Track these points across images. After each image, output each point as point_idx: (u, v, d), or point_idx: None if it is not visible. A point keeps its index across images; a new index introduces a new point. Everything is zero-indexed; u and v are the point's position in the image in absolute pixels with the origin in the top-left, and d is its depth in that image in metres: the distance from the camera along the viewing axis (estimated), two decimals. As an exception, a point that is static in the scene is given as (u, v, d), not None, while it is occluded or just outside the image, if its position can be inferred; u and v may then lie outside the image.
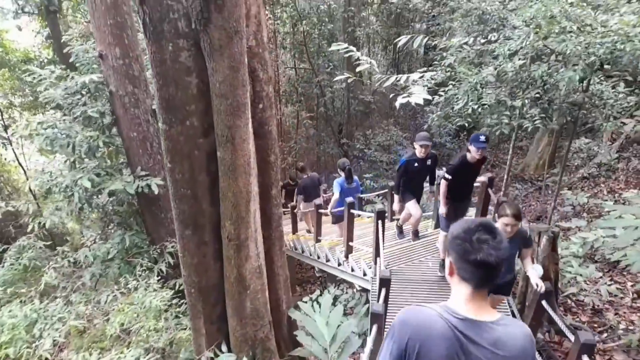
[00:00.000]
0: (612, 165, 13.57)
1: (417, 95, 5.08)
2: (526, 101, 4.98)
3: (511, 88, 5.26)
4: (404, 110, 19.23)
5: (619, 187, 12.59)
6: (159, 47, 3.61)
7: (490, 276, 1.66)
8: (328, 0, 15.15)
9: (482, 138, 5.27)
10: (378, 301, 4.96)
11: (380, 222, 6.48)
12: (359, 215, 8.57)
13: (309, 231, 10.66)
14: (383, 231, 6.55)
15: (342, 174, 8.25)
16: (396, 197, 6.93)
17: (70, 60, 8.31)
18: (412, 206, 6.88)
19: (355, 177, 8.64)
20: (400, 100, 5.21)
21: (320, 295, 8.63)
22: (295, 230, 10.86)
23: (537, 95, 5.00)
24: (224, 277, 4.73)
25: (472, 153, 5.38)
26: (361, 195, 12.34)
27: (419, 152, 6.10)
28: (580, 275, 7.71)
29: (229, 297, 4.72)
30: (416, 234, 7.83)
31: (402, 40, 5.74)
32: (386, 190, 9.95)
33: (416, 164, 6.30)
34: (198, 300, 4.82)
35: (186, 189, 4.29)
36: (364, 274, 7.25)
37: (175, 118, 3.92)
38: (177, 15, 3.61)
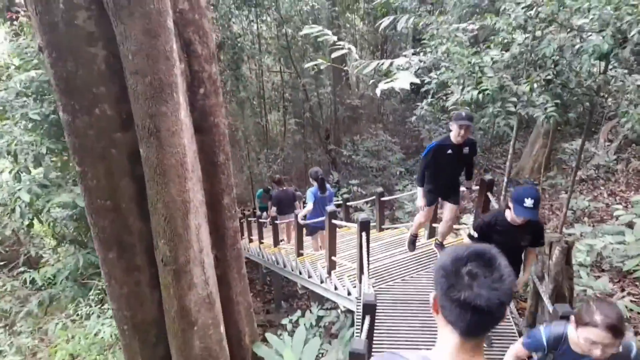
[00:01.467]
0: (611, 167, 12.65)
1: (403, 79, 4.04)
2: (535, 85, 3.95)
3: (515, 70, 4.25)
4: (393, 116, 18.23)
5: (620, 189, 11.70)
6: (46, 5, 2.55)
7: (481, 323, 1.23)
8: (311, 1, 14.18)
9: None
10: (361, 333, 3.88)
11: (364, 233, 5.40)
12: (344, 226, 7.49)
13: (282, 240, 9.91)
14: (368, 243, 5.46)
15: (315, 184, 7.46)
16: (420, 190, 5.30)
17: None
18: (424, 213, 5.59)
19: (328, 186, 7.79)
20: (381, 86, 4.16)
21: (302, 316, 7.54)
22: (276, 242, 9.75)
23: (548, 78, 3.99)
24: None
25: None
26: (350, 203, 11.37)
27: (457, 134, 4.48)
28: (591, 287, 6.70)
29: (172, 335, 3.61)
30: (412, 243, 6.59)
31: (385, 21, 4.70)
32: (374, 197, 8.90)
33: (450, 151, 4.68)
34: (133, 339, 3.70)
35: (104, 199, 3.19)
36: (349, 294, 6.15)
37: (79, 105, 2.84)
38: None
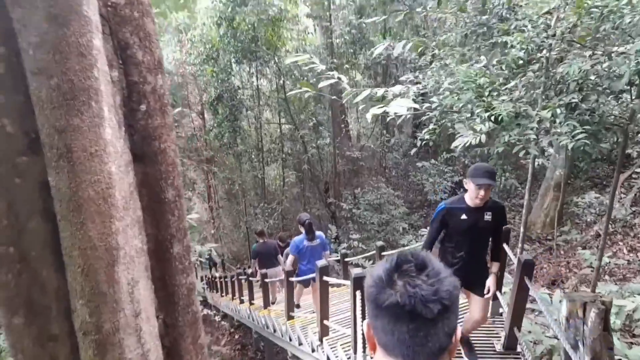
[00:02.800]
0: (628, 221, 11.77)
1: (398, 104, 3.37)
2: (558, 111, 3.24)
3: (531, 95, 3.56)
4: (395, 169, 17.61)
5: (640, 244, 10.79)
6: None
7: (420, 337, 0.94)
8: (310, 55, 14.00)
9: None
10: None
11: (359, 292, 4.50)
12: (338, 284, 6.56)
13: (273, 302, 9.07)
14: (364, 303, 4.55)
15: (302, 231, 6.52)
16: None
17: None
18: None
19: (320, 233, 6.82)
20: (373, 111, 3.48)
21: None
22: (266, 304, 8.73)
23: (573, 101, 3.29)
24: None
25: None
26: (348, 259, 10.39)
27: (474, 195, 3.41)
28: (627, 357, 5.65)
29: None
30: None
31: (379, 48, 4.08)
32: (374, 251, 8.02)
33: (464, 216, 3.55)
34: None
35: (6, 245, 2.39)
36: (343, 366, 5.15)
37: (-33, 119, 2.13)
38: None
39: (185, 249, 3.11)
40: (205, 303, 17.07)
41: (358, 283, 4.49)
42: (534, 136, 3.20)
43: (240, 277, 10.78)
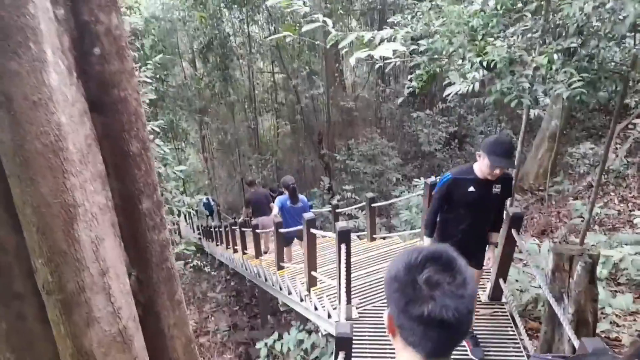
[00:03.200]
0: (622, 172, 11.66)
1: (385, 48, 3.10)
2: (555, 57, 2.98)
3: (527, 39, 3.28)
4: (390, 120, 17.27)
5: (632, 195, 10.74)
6: None
7: (449, 340, 1.01)
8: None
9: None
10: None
11: (344, 245, 4.41)
12: (325, 236, 6.49)
13: (265, 252, 9.23)
14: (349, 257, 4.47)
15: (286, 193, 7.00)
16: (427, 241, 3.75)
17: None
18: None
19: (303, 197, 7.31)
20: (357, 55, 3.21)
21: (279, 339, 6.53)
22: (258, 254, 8.74)
23: (572, 46, 3.02)
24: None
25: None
26: (339, 210, 10.35)
27: (488, 171, 3.13)
28: (610, 305, 5.69)
29: (71, 388, 2.61)
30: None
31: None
32: (364, 203, 7.92)
33: (472, 188, 3.27)
34: (22, 390, 2.70)
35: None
36: (329, 316, 5.15)
37: None
38: None
39: (156, 205, 2.94)
40: (202, 251, 17.28)
41: (343, 236, 4.39)
42: (528, 85, 2.95)
43: (233, 227, 10.76)
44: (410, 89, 3.98)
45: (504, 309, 4.72)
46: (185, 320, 3.33)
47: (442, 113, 14.18)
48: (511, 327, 4.46)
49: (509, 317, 4.60)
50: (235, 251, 10.90)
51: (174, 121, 14.78)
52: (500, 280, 4.70)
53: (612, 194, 11.36)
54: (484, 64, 3.12)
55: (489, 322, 4.50)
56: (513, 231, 4.31)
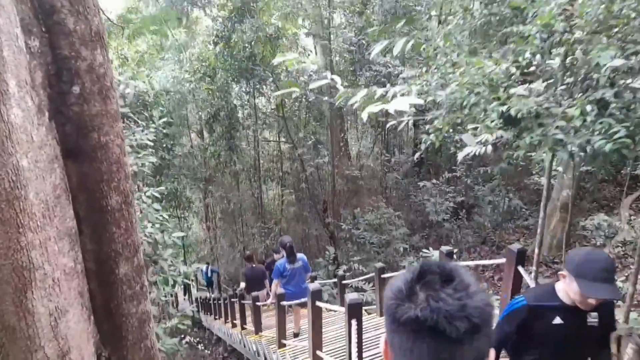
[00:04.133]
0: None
1: (401, 101, 2.81)
2: (588, 108, 2.67)
3: (552, 93, 2.99)
4: (396, 190, 16.99)
5: (653, 268, 10.02)
6: None
7: (442, 357, 0.81)
8: (310, 72, 13.57)
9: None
10: None
11: (354, 320, 3.85)
12: (332, 310, 5.87)
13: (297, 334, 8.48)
14: (360, 334, 3.89)
15: (283, 252, 6.66)
16: None
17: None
18: None
19: (301, 255, 6.79)
20: (370, 109, 2.91)
21: None
22: (258, 329, 8.01)
23: (605, 97, 2.73)
24: None
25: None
26: (346, 281, 9.71)
27: (578, 300, 2.19)
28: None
29: None
30: None
31: (378, 47, 3.54)
32: (373, 273, 7.34)
33: (558, 320, 2.30)
34: None
35: None
36: (337, 405, 4.44)
37: None
38: None
39: (136, 270, 2.48)
40: (199, 326, 16.24)
41: (354, 310, 3.85)
42: (562, 136, 2.62)
43: (232, 299, 10.07)
44: (425, 144, 3.62)
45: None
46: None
47: (449, 182, 13.90)
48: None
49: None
50: (234, 325, 10.11)
51: (178, 190, 14.56)
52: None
53: (632, 267, 10.68)
54: (508, 116, 2.80)
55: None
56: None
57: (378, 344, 5.61)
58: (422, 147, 3.66)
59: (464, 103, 3.02)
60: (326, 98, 11.70)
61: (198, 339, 9.80)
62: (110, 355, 2.44)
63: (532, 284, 4.22)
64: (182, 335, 8.44)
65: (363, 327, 6.42)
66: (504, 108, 2.67)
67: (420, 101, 2.94)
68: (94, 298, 2.33)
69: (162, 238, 6.56)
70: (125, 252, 2.34)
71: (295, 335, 7.08)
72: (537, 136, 2.69)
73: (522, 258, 4.28)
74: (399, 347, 0.88)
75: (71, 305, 2.10)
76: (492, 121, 2.84)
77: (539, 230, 6.44)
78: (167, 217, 7.16)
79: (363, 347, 5.39)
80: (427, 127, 3.83)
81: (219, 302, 12.40)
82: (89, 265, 2.28)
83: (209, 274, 15.36)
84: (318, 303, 4.79)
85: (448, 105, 3.24)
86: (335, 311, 6.50)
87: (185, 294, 16.97)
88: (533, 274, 6.18)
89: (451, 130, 3.80)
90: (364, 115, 2.99)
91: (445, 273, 0.86)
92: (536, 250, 5.93)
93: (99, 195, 2.22)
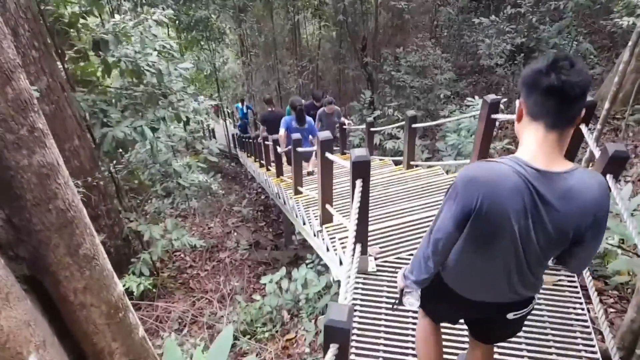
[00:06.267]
0: None
1: None
2: None
3: None
4: (447, 29, 14.78)
5: None
6: None
7: (564, 110, 1.36)
8: None
9: None
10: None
11: (359, 180, 3.08)
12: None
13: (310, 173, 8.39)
14: (365, 194, 3.17)
15: (293, 113, 6.92)
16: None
17: None
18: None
19: (309, 119, 7.07)
20: None
21: (288, 275, 5.56)
22: (279, 172, 7.62)
23: None
24: None
25: None
26: (375, 129, 8.93)
27: None
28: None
29: None
30: None
31: None
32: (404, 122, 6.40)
33: None
34: None
35: None
36: (340, 263, 4.02)
37: None
38: None
39: (14, 107, 1.67)
40: (237, 161, 16.53)
41: (359, 169, 3.06)
42: None
43: (258, 139, 9.66)
44: None
45: (573, 278, 3.38)
46: (105, 282, 2.25)
47: (510, 20, 11.72)
48: (580, 303, 3.16)
49: (578, 289, 3.29)
50: (262, 166, 9.89)
51: (209, 18, 13.18)
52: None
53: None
54: None
55: (552, 296, 3.20)
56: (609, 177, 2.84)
57: (396, 200, 5.00)
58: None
59: None
60: None
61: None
62: (9, 217, 1.84)
63: (593, 146, 3.23)
64: (214, 172, 8.28)
65: (387, 180, 5.80)
66: None
67: None
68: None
69: (167, 69, 5.74)
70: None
71: (309, 173, 7.09)
72: None
73: (495, 108, 4.35)
74: (534, 102, 1.39)
75: None
76: None
77: (615, 80, 5.14)
78: (174, 45, 6.24)
79: (381, 202, 4.82)
80: None
81: (250, 140, 12.13)
82: None
83: (245, 110, 14.94)
84: (327, 155, 4.04)
85: None
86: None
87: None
88: (596, 133, 5.08)
89: None
90: None
91: (570, 60, 1.32)
92: (606, 105, 4.76)
93: None
